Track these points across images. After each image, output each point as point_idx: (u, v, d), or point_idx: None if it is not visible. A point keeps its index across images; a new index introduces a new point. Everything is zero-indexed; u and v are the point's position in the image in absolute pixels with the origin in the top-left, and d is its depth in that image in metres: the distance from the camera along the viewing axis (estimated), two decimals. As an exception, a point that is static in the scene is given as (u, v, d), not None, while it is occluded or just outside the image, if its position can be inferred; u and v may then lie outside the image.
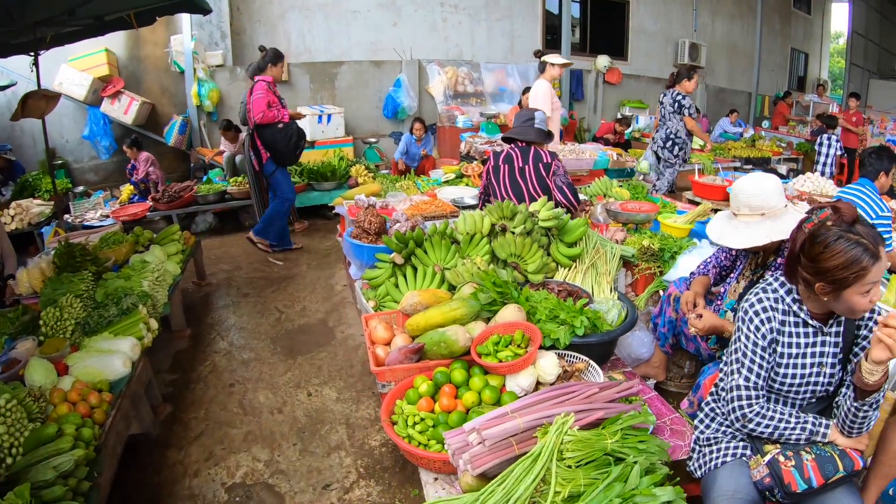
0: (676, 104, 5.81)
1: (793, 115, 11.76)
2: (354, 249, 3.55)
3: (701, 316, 2.43)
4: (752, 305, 1.81)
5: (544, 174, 3.60)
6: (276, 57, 4.96)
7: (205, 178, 7.19)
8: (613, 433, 1.71)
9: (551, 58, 5.57)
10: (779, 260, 2.45)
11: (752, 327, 1.78)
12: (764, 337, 1.76)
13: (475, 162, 7.59)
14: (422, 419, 1.96)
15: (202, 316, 4.22)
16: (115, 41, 7.83)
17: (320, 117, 7.92)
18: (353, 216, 4.01)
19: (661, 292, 3.35)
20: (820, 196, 5.46)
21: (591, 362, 2.39)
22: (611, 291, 2.94)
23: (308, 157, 7.46)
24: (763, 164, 8.94)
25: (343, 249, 4.17)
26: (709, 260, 2.84)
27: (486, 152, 7.01)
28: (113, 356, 2.52)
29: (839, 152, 7.94)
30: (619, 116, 10.66)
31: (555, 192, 3.60)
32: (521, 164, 3.62)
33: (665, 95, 6.03)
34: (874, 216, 3.47)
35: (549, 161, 3.62)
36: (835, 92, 15.22)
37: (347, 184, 6.93)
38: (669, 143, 5.95)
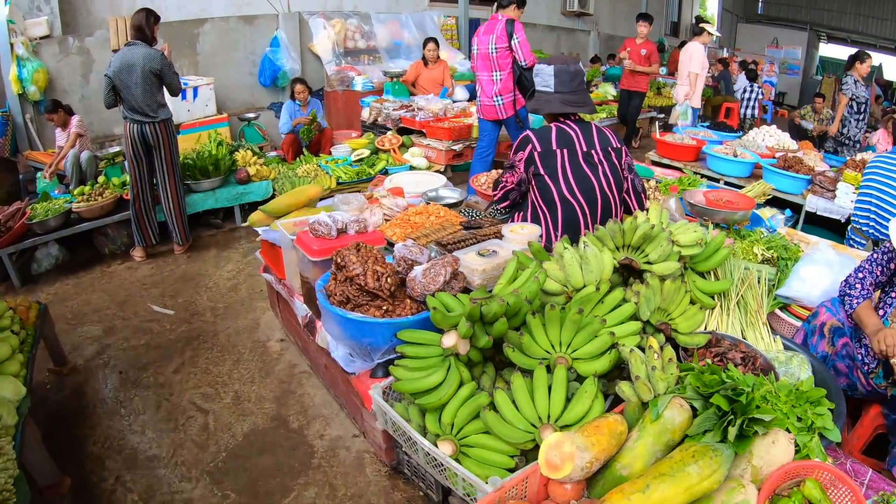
0: (842, 82, 6.41)
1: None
2: (356, 329, 2.04)
3: None
4: None
5: (617, 165, 2.49)
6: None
7: (38, 195, 4.84)
8: None
9: (710, 28, 6.49)
10: None
11: None
12: None
13: (390, 133, 6.18)
14: None
15: (80, 440, 2.55)
16: None
17: (184, 92, 5.92)
18: (316, 253, 2.35)
19: (780, 313, 2.46)
20: (786, 151, 5.07)
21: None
22: (770, 337, 1.97)
23: (175, 147, 5.60)
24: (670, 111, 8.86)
25: (322, 324, 2.36)
26: (862, 275, 2.09)
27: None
28: None
29: (760, 97, 8.74)
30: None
31: (631, 199, 2.57)
32: (584, 148, 2.49)
33: None
34: None
35: (619, 146, 2.56)
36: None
37: (236, 178, 5.23)
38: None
